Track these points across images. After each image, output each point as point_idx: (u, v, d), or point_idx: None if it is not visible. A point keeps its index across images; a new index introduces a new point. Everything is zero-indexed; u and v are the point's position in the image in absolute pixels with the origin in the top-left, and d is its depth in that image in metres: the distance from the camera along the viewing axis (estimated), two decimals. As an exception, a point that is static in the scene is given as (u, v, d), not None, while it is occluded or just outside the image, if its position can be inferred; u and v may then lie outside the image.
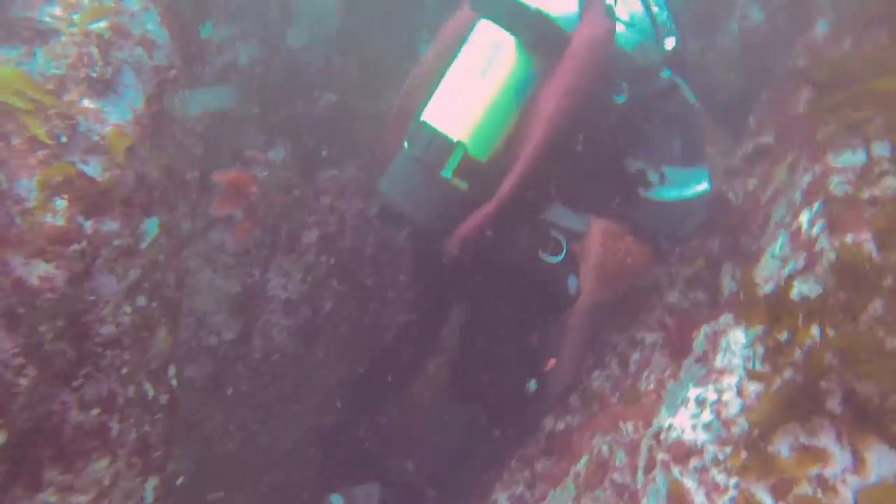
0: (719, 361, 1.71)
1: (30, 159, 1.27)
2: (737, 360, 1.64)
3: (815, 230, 1.61)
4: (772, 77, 3.24)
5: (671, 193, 2.10)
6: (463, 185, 1.93)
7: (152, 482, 1.60)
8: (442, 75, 2.02)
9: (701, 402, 1.63)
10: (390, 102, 3.79)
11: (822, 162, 1.74)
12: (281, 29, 3.35)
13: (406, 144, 2.01)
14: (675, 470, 1.54)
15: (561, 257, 2.06)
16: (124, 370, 1.43)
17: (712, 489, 1.42)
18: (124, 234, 1.37)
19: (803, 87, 2.45)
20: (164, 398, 1.76)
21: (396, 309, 3.58)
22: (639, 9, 2.06)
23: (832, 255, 1.50)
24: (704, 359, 1.89)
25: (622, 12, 2.05)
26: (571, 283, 2.14)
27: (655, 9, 2.06)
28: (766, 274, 1.80)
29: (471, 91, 1.91)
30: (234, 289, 2.80)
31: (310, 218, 3.20)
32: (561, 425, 2.77)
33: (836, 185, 1.64)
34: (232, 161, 3.07)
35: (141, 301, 1.56)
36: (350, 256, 3.28)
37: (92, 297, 1.33)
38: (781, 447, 1.38)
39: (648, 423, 1.84)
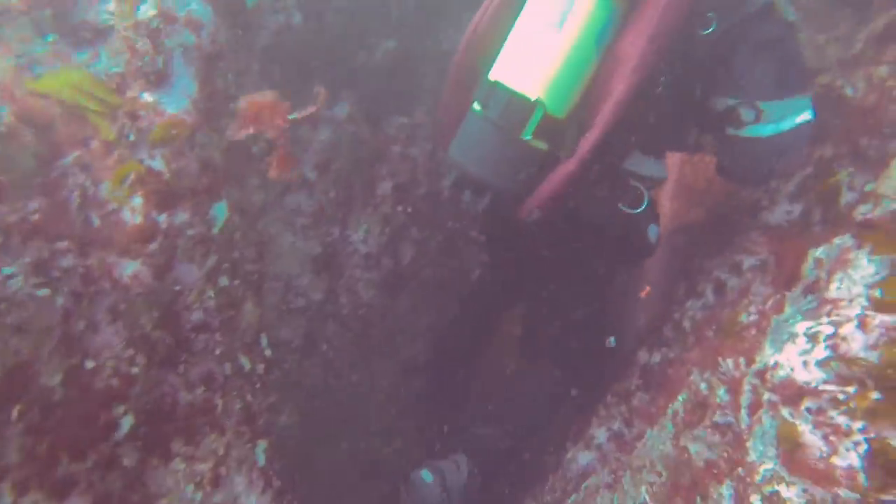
0: (834, 290, 1.54)
1: (107, 161, 1.31)
2: (858, 289, 1.47)
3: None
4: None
5: (766, 129, 1.86)
6: (542, 145, 1.82)
7: (262, 445, 1.71)
8: (507, 27, 1.87)
9: (813, 337, 1.49)
10: (452, 42, 3.65)
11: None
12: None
13: (476, 106, 1.88)
14: (785, 411, 1.44)
15: (642, 208, 1.93)
16: (218, 350, 1.50)
17: (832, 433, 1.32)
18: (196, 223, 1.40)
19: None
20: (260, 367, 1.85)
21: (478, 251, 3.54)
22: None
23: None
24: (814, 287, 1.72)
25: None
26: (652, 232, 2.03)
27: None
28: (897, 186, 1.58)
29: (547, 45, 1.74)
30: (314, 249, 2.87)
31: (382, 169, 3.18)
32: (656, 357, 2.69)
33: None
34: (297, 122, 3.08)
35: (223, 282, 1.62)
36: (426, 203, 3.25)
37: (177, 287, 1.38)
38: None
39: (751, 360, 1.72)
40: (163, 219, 1.35)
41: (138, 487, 1.26)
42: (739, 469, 1.53)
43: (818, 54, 2.97)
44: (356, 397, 3.40)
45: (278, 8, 2.99)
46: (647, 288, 3.17)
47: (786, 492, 1.35)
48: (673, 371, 2.25)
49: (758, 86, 1.84)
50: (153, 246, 1.32)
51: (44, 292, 1.13)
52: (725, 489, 1.55)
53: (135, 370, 1.25)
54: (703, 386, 1.91)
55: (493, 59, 1.89)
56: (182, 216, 1.38)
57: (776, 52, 1.84)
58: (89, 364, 1.19)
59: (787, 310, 1.75)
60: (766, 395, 1.54)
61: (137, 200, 1.31)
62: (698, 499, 1.66)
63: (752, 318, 1.97)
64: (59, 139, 1.30)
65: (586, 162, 1.78)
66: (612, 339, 2.20)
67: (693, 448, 1.84)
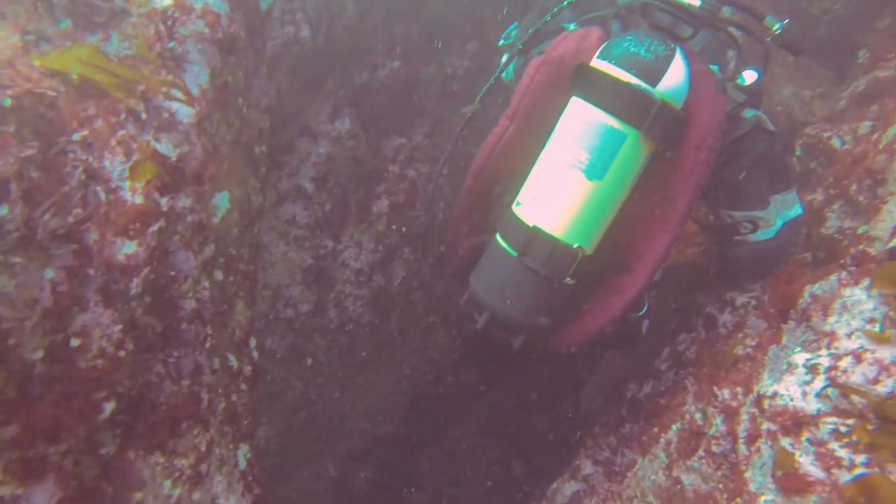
0: (832, 323, 1.54)
1: (112, 138, 1.28)
2: (856, 323, 1.47)
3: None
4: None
5: (767, 234, 2.08)
6: (572, 281, 1.85)
7: (243, 448, 1.64)
8: (530, 158, 1.89)
9: (812, 368, 1.48)
10: (454, 68, 3.70)
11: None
12: (340, -2, 3.29)
13: (503, 244, 1.88)
14: (785, 441, 1.42)
15: (643, 312, 2.10)
16: (208, 344, 1.44)
17: (833, 465, 1.29)
18: (197, 210, 1.36)
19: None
20: (247, 369, 1.79)
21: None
22: (721, 50, 2.03)
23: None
24: (811, 321, 1.72)
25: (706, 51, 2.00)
26: (644, 326, 2.17)
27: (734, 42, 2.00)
28: (891, 226, 1.60)
29: (589, 195, 1.77)
30: (306, 261, 2.82)
31: (379, 187, 3.17)
32: (647, 389, 2.66)
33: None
34: (298, 134, 3.07)
35: (218, 275, 1.58)
36: (421, 224, 3.24)
37: (172, 273, 1.33)
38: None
39: (749, 390, 1.71)
40: (164, 202, 1.31)
41: (113, 478, 1.19)
42: (738, 500, 1.49)
43: (805, 108, 3.08)
44: (337, 416, 3.31)
45: (287, 20, 3.02)
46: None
47: (790, 523, 1.32)
48: (665, 402, 2.22)
49: (757, 196, 2.03)
50: (152, 228, 1.28)
51: (32, 262, 1.08)
52: (721, 519, 1.51)
53: (122, 354, 1.19)
54: (697, 416, 1.88)
55: (513, 189, 1.92)
56: (184, 201, 1.35)
57: (768, 163, 2.02)
58: (74, 342, 1.13)
59: (785, 341, 1.75)
60: (766, 425, 1.51)
61: (139, 181, 1.28)
62: (692, 530, 1.61)
63: (748, 350, 1.96)
64: (62, 117, 1.27)
65: (630, 303, 1.93)
66: (645, 322, 2.15)
67: (686, 479, 1.80)
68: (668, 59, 1.73)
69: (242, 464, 1.59)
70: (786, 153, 2.19)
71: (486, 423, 3.47)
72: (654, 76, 1.72)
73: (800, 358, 1.56)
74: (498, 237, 1.91)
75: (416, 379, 3.74)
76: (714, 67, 1.92)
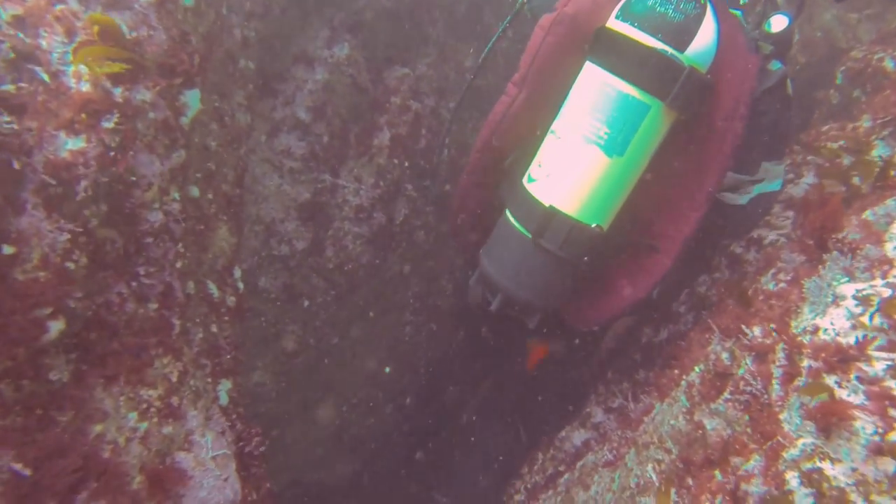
0: (891, 251, 1.36)
1: (48, 14, 1.07)
2: (920, 247, 1.28)
3: None
4: None
5: (745, 199, 1.93)
6: (588, 258, 1.74)
7: (226, 384, 1.50)
8: (542, 127, 1.74)
9: (864, 300, 1.31)
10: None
11: None
12: None
13: (518, 224, 1.75)
14: (830, 379, 1.25)
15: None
16: (179, 264, 1.27)
17: (890, 404, 1.13)
18: (160, 106, 1.17)
19: None
20: (231, 300, 1.63)
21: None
22: None
23: None
24: (858, 249, 1.53)
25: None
26: (655, 292, 2.03)
27: None
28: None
29: (608, 172, 1.62)
30: (302, 195, 2.64)
31: (380, 118, 2.96)
32: (664, 334, 2.50)
33: None
34: (294, 60, 2.84)
35: (193, 191, 1.40)
36: (425, 159, 3.03)
37: (132, 178, 1.15)
38: None
39: (784, 326, 1.53)
40: (119, 92, 1.12)
41: (67, 407, 1.03)
42: (769, 443, 1.34)
43: (849, 32, 2.82)
44: (336, 363, 3.19)
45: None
46: None
47: (830, 469, 1.16)
48: (686, 344, 2.06)
49: (750, 161, 1.86)
50: (106, 123, 1.09)
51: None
52: (752, 464, 1.36)
53: (70, 266, 1.02)
54: (724, 356, 1.71)
55: (524, 162, 1.78)
56: (144, 94, 1.15)
57: (775, 130, 1.85)
58: (8, 250, 0.96)
59: (827, 273, 1.56)
60: (806, 363, 1.34)
61: (84, 66, 1.08)
62: (717, 475, 1.47)
63: (782, 285, 1.79)
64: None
65: (658, 283, 1.85)
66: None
67: (710, 423, 1.65)
68: (699, 19, 1.53)
69: (224, 399, 1.45)
70: (791, 127, 2.01)
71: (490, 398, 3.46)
72: (683, 40, 1.51)
73: (848, 289, 1.38)
74: (509, 215, 1.79)
75: (420, 325, 3.61)
76: (738, 12, 1.74)
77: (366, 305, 3.11)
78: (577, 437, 2.45)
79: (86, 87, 1.07)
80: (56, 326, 1.02)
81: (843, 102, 2.56)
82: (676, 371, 1.90)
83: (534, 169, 1.73)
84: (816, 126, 2.46)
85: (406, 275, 3.23)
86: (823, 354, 1.30)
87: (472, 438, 3.38)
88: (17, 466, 0.87)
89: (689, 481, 1.61)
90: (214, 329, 1.49)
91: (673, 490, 1.64)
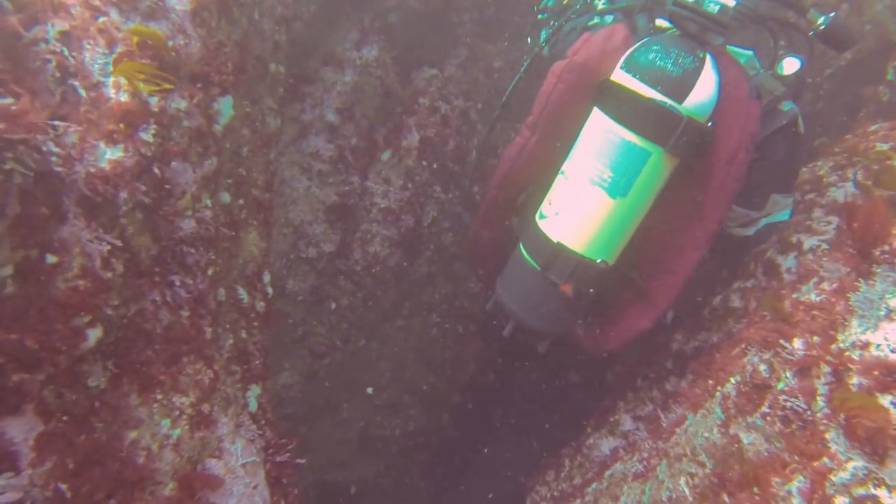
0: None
1: (92, 27, 1.08)
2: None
3: None
4: None
5: (745, 231, 2.06)
6: (593, 291, 1.85)
7: (255, 390, 1.50)
8: (553, 167, 1.85)
9: (919, 313, 1.25)
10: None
11: None
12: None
13: (527, 256, 1.88)
14: (884, 399, 1.19)
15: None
16: (210, 271, 1.27)
17: (949, 425, 1.07)
18: (195, 114, 1.17)
19: None
20: (260, 305, 1.64)
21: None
22: (757, 36, 1.92)
23: None
24: (908, 260, 1.47)
25: (741, 39, 1.90)
26: (669, 317, 2.17)
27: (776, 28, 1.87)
28: None
29: (612, 213, 1.73)
30: (331, 198, 2.64)
31: (409, 120, 2.95)
32: (694, 343, 2.44)
33: None
34: (322, 62, 2.85)
35: (224, 197, 1.40)
36: (454, 161, 3.02)
37: (167, 187, 1.15)
38: None
39: (829, 340, 1.48)
40: (155, 101, 1.12)
41: (105, 413, 1.04)
42: (815, 464, 1.29)
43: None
44: (363, 365, 3.20)
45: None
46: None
47: (887, 498, 1.11)
48: (721, 355, 2.00)
49: (759, 197, 1.95)
50: (142, 133, 1.09)
51: (-2, 165, 0.91)
52: (795, 486, 1.31)
53: (108, 275, 1.03)
54: (762, 368, 1.66)
55: (536, 199, 1.91)
56: (179, 102, 1.15)
57: (785, 168, 1.96)
58: (51, 259, 0.97)
59: (879, 285, 1.50)
60: (856, 379, 1.29)
61: (123, 77, 1.08)
62: (755, 494, 1.42)
63: (824, 296, 1.72)
64: (33, 2, 1.07)
65: (661, 315, 1.94)
66: (670, 314, 2.11)
67: (747, 438, 1.60)
68: (697, 72, 1.63)
69: (254, 406, 1.45)
70: (801, 161, 2.16)
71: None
72: (681, 92, 1.62)
73: (900, 302, 1.32)
74: (522, 248, 1.92)
75: (447, 328, 3.60)
76: (750, 53, 1.86)
77: (393, 307, 3.11)
78: (605, 444, 2.41)
79: (124, 98, 1.07)
80: (94, 334, 1.02)
81: (894, 100, 2.47)
82: (711, 381, 1.85)
83: (545, 207, 1.85)
84: (863, 125, 2.37)
85: (433, 277, 3.23)
86: (876, 372, 1.25)
87: (488, 449, 3.61)
88: (63, 487, 0.88)
89: (725, 498, 1.57)
90: (244, 335, 1.49)
91: (708, 506, 1.59)
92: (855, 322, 1.42)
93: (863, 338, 1.32)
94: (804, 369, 1.48)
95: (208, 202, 1.27)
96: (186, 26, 1.19)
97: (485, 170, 3.27)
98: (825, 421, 1.33)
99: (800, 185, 2.55)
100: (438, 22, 3.18)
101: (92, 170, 1.03)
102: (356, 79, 2.82)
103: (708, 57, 1.65)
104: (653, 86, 1.61)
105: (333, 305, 2.82)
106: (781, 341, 1.68)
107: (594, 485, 2.24)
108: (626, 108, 1.64)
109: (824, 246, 2.10)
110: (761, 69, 1.88)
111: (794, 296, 1.87)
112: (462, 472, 4.09)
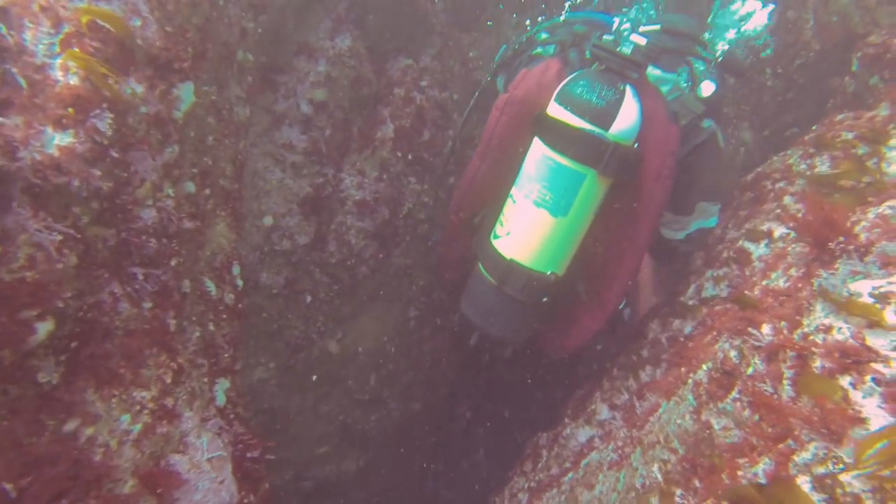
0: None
1: (34, 4, 1.04)
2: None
3: None
4: None
5: (681, 234, 2.33)
6: (547, 299, 2.04)
7: (223, 384, 1.47)
8: (503, 191, 2.06)
9: (881, 297, 1.26)
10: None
11: None
12: None
13: (485, 273, 2.09)
14: (844, 380, 1.21)
15: (623, 304, 2.28)
16: (174, 262, 1.24)
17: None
18: (152, 100, 1.13)
19: None
20: (229, 298, 1.61)
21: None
22: (679, 62, 2.18)
23: None
24: (872, 245, 1.49)
25: (666, 64, 2.17)
26: (626, 314, 2.42)
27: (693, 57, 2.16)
28: None
29: (556, 230, 1.94)
30: (304, 189, 2.60)
31: (384, 111, 2.91)
32: (671, 328, 2.46)
33: None
34: (295, 52, 2.80)
35: (189, 187, 1.36)
36: (429, 152, 2.99)
37: (124, 175, 1.12)
38: None
39: (795, 325, 1.49)
40: (108, 86, 1.08)
41: (57, 409, 1.01)
42: (780, 446, 1.30)
43: (867, 16, 2.74)
44: (339, 359, 3.17)
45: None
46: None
47: (846, 477, 1.12)
48: (693, 343, 2.02)
49: (686, 203, 2.24)
50: (94, 120, 1.06)
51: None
52: (761, 468, 1.32)
53: (59, 266, 0.99)
54: (732, 354, 1.67)
55: (490, 220, 2.14)
56: (136, 87, 1.12)
57: (708, 178, 2.21)
58: (-5, 249, 0.93)
59: (840, 269, 1.52)
60: (819, 362, 1.31)
61: (73, 59, 1.04)
62: (723, 478, 1.44)
63: (791, 283, 1.74)
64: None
65: (611, 315, 2.14)
66: (626, 311, 2.41)
67: (717, 423, 1.61)
68: (619, 103, 1.85)
69: (221, 399, 1.42)
70: (728, 171, 2.46)
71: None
72: (605, 121, 1.83)
73: (863, 286, 1.34)
74: (480, 266, 2.13)
75: (424, 320, 3.59)
76: (673, 76, 2.14)
77: (369, 300, 3.08)
78: (581, 434, 2.42)
79: (74, 80, 1.03)
80: (44, 328, 0.99)
81: (859, 90, 2.50)
82: (684, 369, 1.86)
83: (498, 228, 2.06)
84: (830, 116, 2.40)
85: (410, 268, 3.20)
86: (836, 354, 1.26)
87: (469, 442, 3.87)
88: (8, 487, 0.85)
89: (696, 483, 1.58)
90: (212, 327, 1.46)
91: (679, 491, 1.60)
92: (818, 306, 1.43)
93: (825, 322, 1.33)
94: (771, 354, 1.49)
95: (170, 191, 1.23)
96: (141, 8, 1.15)
97: (460, 160, 3.26)
98: (790, 402, 1.34)
99: (769, 175, 2.59)
100: (412, 11, 3.14)
101: (38, 156, 0.99)
102: (329, 69, 2.78)
103: (628, 88, 1.87)
104: (581, 116, 1.83)
105: (309, 299, 2.79)
106: (750, 328, 1.69)
107: (570, 474, 2.25)
108: (560, 138, 1.85)
109: (793, 234, 2.12)
110: (687, 90, 2.15)
111: (764, 283, 1.89)
112: (444, 465, 4.10)
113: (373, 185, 2.78)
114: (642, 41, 2.06)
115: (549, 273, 1.97)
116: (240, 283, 1.64)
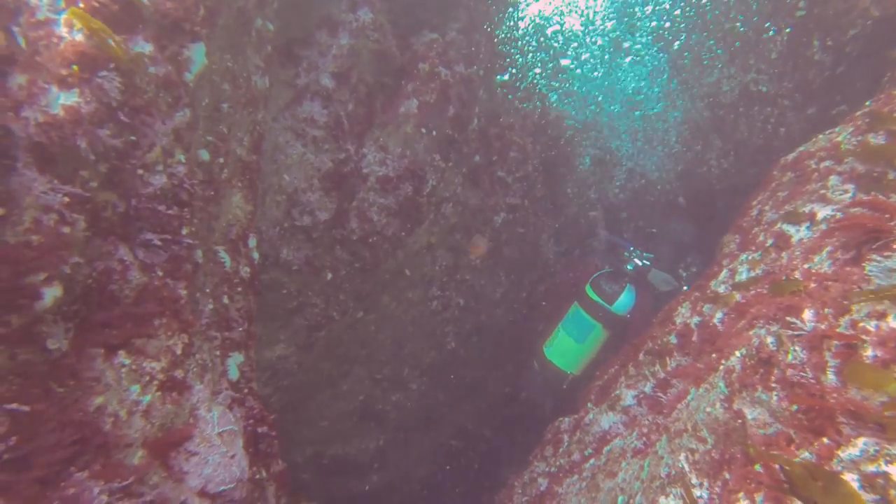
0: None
1: (39, -40, 0.99)
2: None
3: None
4: None
5: (666, 288, 3.85)
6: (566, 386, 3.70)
7: (237, 357, 1.44)
8: (559, 324, 3.80)
9: (940, 280, 1.16)
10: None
11: None
12: None
13: (536, 366, 3.85)
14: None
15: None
16: (185, 230, 1.20)
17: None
18: (161, 60, 1.08)
19: None
20: (245, 271, 1.57)
21: (510, 193, 3.61)
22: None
23: None
24: (929, 227, 1.37)
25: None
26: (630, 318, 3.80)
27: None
28: None
29: (576, 351, 3.65)
30: (326, 164, 2.56)
31: (408, 86, 2.84)
32: (697, 317, 2.36)
33: None
34: (317, 25, 2.74)
35: (203, 154, 1.32)
36: (454, 128, 2.91)
37: (132, 138, 1.07)
38: None
39: (842, 311, 1.39)
40: (115, 43, 1.03)
41: (66, 377, 0.98)
42: (824, 440, 1.22)
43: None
44: (360, 337, 3.14)
45: None
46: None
47: (896, 473, 1.03)
48: (725, 328, 1.92)
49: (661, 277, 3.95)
50: (101, 79, 1.01)
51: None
52: (800, 461, 1.24)
53: (66, 230, 0.96)
54: (770, 340, 1.58)
55: (549, 346, 3.79)
56: (143, 45, 1.06)
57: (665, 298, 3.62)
58: (-1, 210, 0.89)
59: None
60: (870, 351, 1.21)
61: (77, 15, 1.00)
62: (757, 469, 1.35)
63: (838, 266, 1.63)
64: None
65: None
66: (686, 286, 3.55)
67: (751, 413, 1.53)
68: (619, 293, 3.61)
69: (234, 373, 1.39)
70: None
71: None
72: (611, 301, 3.59)
73: (920, 271, 1.23)
74: (536, 363, 3.91)
75: (447, 302, 3.54)
76: (651, 255, 3.86)
77: (391, 278, 3.04)
78: (605, 420, 2.35)
79: (79, 37, 0.99)
80: (51, 293, 0.96)
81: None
82: (714, 355, 1.77)
83: (548, 346, 3.77)
84: (887, 90, 2.25)
85: (433, 247, 3.15)
86: (893, 344, 1.17)
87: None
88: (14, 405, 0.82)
89: (726, 475, 1.50)
90: (226, 300, 1.43)
91: (707, 482, 1.53)
92: (873, 291, 1.33)
93: (880, 309, 1.23)
94: (814, 341, 1.40)
95: (181, 157, 1.19)
96: (152, -37, 1.10)
97: (487, 139, 3.17)
98: (834, 395, 1.25)
99: (814, 153, 2.45)
100: (439, -18, 3.05)
101: (41, 117, 0.95)
102: (352, 42, 2.71)
103: (628, 284, 3.62)
104: (600, 297, 3.60)
105: (330, 275, 2.76)
106: (790, 314, 1.59)
107: (592, 461, 2.18)
108: (588, 305, 3.61)
109: (839, 215, 2.00)
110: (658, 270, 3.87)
111: (806, 266, 1.78)
112: (464, 449, 4.16)
113: (396, 161, 2.72)
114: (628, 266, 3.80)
115: (570, 373, 3.65)
116: (256, 255, 1.60)
